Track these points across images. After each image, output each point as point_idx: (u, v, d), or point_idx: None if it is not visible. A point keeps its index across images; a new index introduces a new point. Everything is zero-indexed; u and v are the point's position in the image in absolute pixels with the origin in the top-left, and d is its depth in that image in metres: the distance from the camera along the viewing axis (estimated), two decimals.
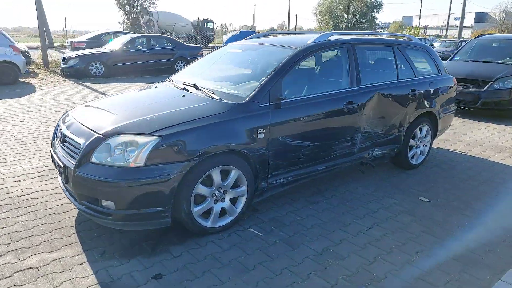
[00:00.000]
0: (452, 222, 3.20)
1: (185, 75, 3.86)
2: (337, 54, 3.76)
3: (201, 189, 2.68)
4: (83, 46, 14.09)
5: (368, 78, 3.75)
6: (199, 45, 15.74)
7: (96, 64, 11.74)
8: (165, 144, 2.48)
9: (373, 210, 3.37)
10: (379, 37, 4.22)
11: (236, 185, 2.90)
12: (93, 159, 2.49)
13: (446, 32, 50.36)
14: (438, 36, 50.48)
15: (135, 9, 38.91)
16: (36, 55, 14.34)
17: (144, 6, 39.23)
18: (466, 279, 2.44)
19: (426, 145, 4.56)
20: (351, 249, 2.73)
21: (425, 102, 4.26)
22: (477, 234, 3.02)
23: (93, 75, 11.72)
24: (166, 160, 2.48)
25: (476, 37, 9.37)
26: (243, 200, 2.95)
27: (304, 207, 3.40)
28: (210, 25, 34.15)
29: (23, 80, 10.82)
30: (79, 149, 2.58)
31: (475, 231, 3.07)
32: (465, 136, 6.03)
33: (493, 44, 8.63)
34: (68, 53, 12.30)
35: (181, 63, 13.39)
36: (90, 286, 2.23)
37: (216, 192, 2.78)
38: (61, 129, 2.94)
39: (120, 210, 2.46)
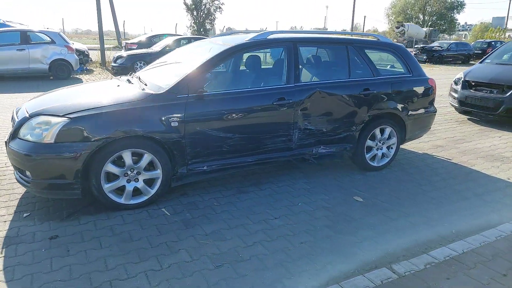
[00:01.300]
0: (366, 222, 3.18)
1: (147, 68, 4.26)
2: (275, 52, 3.89)
3: (111, 168, 3.03)
4: (135, 47, 15.36)
5: (312, 76, 3.82)
6: None
7: (140, 63, 12.79)
8: (73, 125, 2.88)
9: (294, 203, 3.46)
10: (332, 36, 4.22)
11: (152, 167, 3.20)
12: (20, 135, 2.97)
13: None
14: None
15: (201, 13, 40.85)
16: (97, 55, 15.98)
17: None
18: (327, 269, 2.49)
19: (391, 148, 4.44)
20: (240, 233, 2.89)
21: (385, 103, 4.17)
22: (379, 234, 2.98)
23: None
24: (74, 139, 2.87)
25: None
26: (158, 183, 3.24)
27: (232, 195, 3.60)
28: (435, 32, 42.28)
29: (77, 76, 12.18)
30: None
31: (380, 231, 3.03)
32: (466, 144, 5.67)
33: None
34: (118, 53, 13.55)
35: None
36: None
37: (129, 172, 3.12)
38: (13, 111, 3.50)
39: (35, 179, 2.91)
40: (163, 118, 3.12)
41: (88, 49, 14.93)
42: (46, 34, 11.07)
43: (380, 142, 4.34)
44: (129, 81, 3.72)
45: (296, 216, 3.22)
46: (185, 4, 40.91)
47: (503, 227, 3.11)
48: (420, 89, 4.49)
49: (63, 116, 2.91)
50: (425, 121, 4.66)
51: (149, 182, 3.24)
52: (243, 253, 2.63)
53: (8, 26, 12.98)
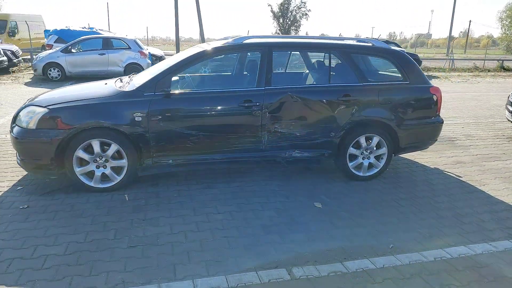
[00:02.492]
0: (306, 227, 3.15)
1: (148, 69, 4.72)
2: (249, 56, 4.01)
3: (81, 154, 3.50)
4: None
5: (287, 80, 3.87)
6: None
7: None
8: (51, 115, 3.41)
9: (249, 202, 3.56)
10: (312, 41, 4.14)
11: (120, 157, 3.60)
12: (16, 122, 3.60)
13: None
14: None
15: (287, 20, 41.58)
16: None
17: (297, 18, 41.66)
18: (227, 262, 2.58)
19: (382, 158, 4.22)
20: (174, 222, 3.12)
21: (370, 110, 4.01)
22: (309, 239, 2.95)
23: None
24: (50, 127, 3.40)
25: None
26: (124, 171, 3.63)
27: (197, 189, 3.83)
28: None
29: None
30: None
31: (312, 236, 2.99)
32: (496, 163, 5.06)
33: None
34: None
35: None
36: None
37: (98, 159, 3.55)
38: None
39: (23, 159, 3.51)
40: (129, 113, 3.49)
41: (166, 55, 16.38)
42: (124, 41, 12.51)
43: (366, 151, 4.16)
44: (121, 80, 4.20)
45: (241, 214, 3.33)
46: (272, 11, 42.09)
47: (452, 250, 2.85)
48: (418, 98, 4.20)
49: (44, 107, 3.47)
50: (426, 132, 4.33)
51: (117, 170, 3.64)
52: (162, 239, 2.85)
53: (99, 33, 14.92)
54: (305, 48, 4.16)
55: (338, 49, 4.03)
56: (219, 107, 3.69)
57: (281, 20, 42.05)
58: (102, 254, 2.63)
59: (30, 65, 13.99)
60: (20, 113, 3.60)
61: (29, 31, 16.51)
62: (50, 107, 3.46)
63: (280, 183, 4.07)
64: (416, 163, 4.96)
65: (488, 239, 3.04)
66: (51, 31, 15.25)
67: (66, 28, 14.82)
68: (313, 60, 4.23)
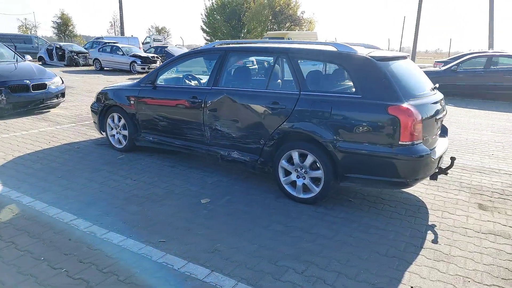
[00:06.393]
0: (146, 205, 3.56)
1: None
2: (213, 58, 4.38)
3: (110, 122, 5.20)
4: (441, 65, 14.55)
5: (232, 82, 4.11)
6: None
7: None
8: (100, 94, 5.29)
9: (163, 181, 4.17)
10: (266, 45, 3.80)
11: (126, 128, 5.05)
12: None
13: None
14: None
15: None
16: None
17: None
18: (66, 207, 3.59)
19: (320, 182, 3.59)
20: (103, 175, 4.29)
21: (299, 122, 3.56)
22: (136, 212, 3.42)
23: None
24: (98, 101, 5.29)
25: None
26: (127, 139, 5.05)
27: (163, 165, 4.70)
28: None
29: None
30: None
31: (138, 211, 3.42)
32: None
33: None
34: None
35: None
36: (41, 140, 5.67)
37: (116, 128, 5.16)
38: None
39: (93, 121, 5.60)
40: (128, 98, 4.88)
41: None
42: None
43: (301, 169, 3.68)
44: None
45: (140, 185, 4.04)
46: None
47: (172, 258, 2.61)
48: (369, 117, 3.30)
49: (102, 89, 5.39)
50: (385, 164, 3.28)
51: (124, 137, 5.10)
52: (75, 180, 4.12)
53: None
54: (257, 52, 4.07)
55: (284, 54, 3.77)
56: (177, 100, 4.44)
57: None
58: (43, 173, 4.23)
59: None
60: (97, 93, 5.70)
61: None
62: (102, 89, 5.35)
63: (221, 179, 4.28)
64: (424, 212, 3.64)
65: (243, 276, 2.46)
66: None
67: None
68: (263, 65, 4.06)
